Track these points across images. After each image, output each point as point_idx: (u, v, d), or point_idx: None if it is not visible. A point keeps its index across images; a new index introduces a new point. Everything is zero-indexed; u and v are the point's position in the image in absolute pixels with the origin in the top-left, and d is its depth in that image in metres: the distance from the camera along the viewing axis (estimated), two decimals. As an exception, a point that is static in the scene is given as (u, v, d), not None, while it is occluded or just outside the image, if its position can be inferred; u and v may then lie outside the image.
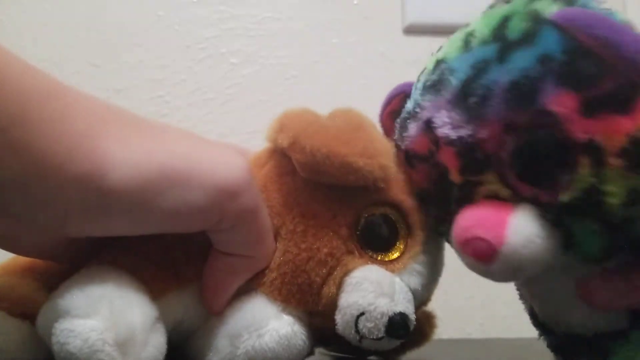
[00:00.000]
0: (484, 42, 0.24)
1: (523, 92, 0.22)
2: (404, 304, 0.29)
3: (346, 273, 0.29)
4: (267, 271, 0.30)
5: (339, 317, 0.29)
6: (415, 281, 0.30)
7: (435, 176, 0.27)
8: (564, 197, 0.22)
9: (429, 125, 0.25)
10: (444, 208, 0.27)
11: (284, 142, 0.29)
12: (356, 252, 0.30)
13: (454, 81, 0.24)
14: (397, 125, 0.30)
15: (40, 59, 0.75)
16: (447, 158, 0.25)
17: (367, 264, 0.29)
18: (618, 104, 0.21)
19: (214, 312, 0.30)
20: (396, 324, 0.28)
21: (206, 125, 0.76)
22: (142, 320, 0.25)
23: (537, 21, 0.22)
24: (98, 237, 0.26)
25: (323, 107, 0.32)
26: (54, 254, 0.29)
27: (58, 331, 0.23)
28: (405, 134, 0.28)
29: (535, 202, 0.23)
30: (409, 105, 0.29)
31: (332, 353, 0.38)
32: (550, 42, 0.22)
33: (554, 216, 0.22)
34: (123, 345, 0.24)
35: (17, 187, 0.23)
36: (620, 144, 0.21)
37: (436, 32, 0.78)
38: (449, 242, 0.29)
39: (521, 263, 0.22)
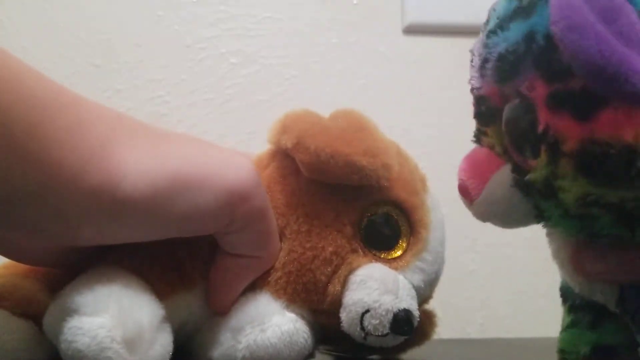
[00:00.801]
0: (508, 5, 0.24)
1: (506, 67, 0.23)
2: (408, 301, 0.29)
3: (351, 271, 0.29)
4: (272, 270, 0.30)
5: (344, 315, 0.29)
6: (418, 278, 0.31)
7: None
8: (530, 176, 0.23)
9: (469, 82, 0.28)
10: None
11: (287, 143, 0.29)
12: (360, 250, 0.30)
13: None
14: None
15: (40, 59, 0.75)
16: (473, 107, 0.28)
17: (371, 262, 0.30)
18: (577, 107, 0.20)
19: (220, 312, 0.30)
20: (401, 320, 0.28)
21: (206, 125, 0.76)
22: (150, 318, 0.25)
23: None
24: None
25: (323, 106, 0.32)
26: (58, 262, 0.29)
27: (66, 329, 0.23)
28: None
29: (516, 168, 0.24)
30: None
31: (333, 353, 0.38)
32: (539, 21, 0.22)
33: (525, 188, 0.24)
34: (131, 343, 0.24)
35: (31, 198, 0.23)
36: (571, 146, 0.21)
37: (436, 32, 0.78)
38: None
39: (489, 216, 0.26)
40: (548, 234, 0.30)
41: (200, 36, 0.78)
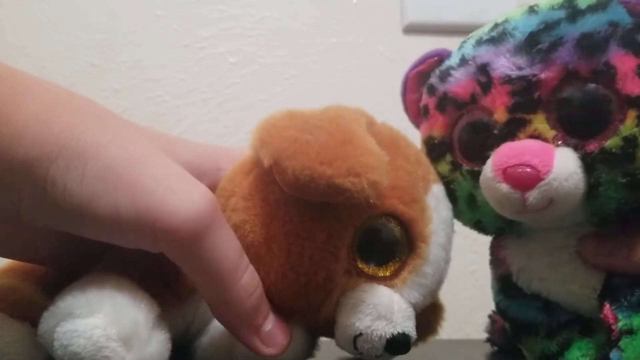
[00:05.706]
0: (553, 8, 0.27)
1: (593, 43, 0.25)
2: (403, 324, 0.28)
3: (343, 293, 0.28)
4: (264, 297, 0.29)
5: (337, 333, 0.28)
6: (417, 295, 0.29)
7: (462, 122, 0.30)
8: (608, 143, 0.25)
9: (483, 70, 0.28)
10: (468, 152, 0.29)
11: (264, 161, 0.27)
12: (354, 271, 0.28)
13: (518, 35, 0.27)
14: (435, 79, 0.32)
15: (39, 59, 0.74)
16: (497, 98, 0.27)
17: (365, 282, 0.29)
18: None
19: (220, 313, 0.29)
20: (395, 344, 0.27)
21: (204, 125, 0.76)
22: (145, 316, 0.25)
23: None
24: (95, 243, 0.25)
25: (322, 106, 0.32)
26: (43, 257, 0.28)
27: (60, 334, 0.23)
28: (446, 82, 0.30)
29: (574, 148, 0.25)
30: (453, 59, 0.31)
31: (333, 351, 0.38)
32: (618, 13, 0.26)
33: (588, 163, 0.25)
34: (127, 340, 0.23)
35: None
36: None
37: (435, 31, 0.78)
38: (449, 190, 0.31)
39: (559, 193, 0.24)
40: (494, 260, 0.31)
41: (199, 36, 0.78)
